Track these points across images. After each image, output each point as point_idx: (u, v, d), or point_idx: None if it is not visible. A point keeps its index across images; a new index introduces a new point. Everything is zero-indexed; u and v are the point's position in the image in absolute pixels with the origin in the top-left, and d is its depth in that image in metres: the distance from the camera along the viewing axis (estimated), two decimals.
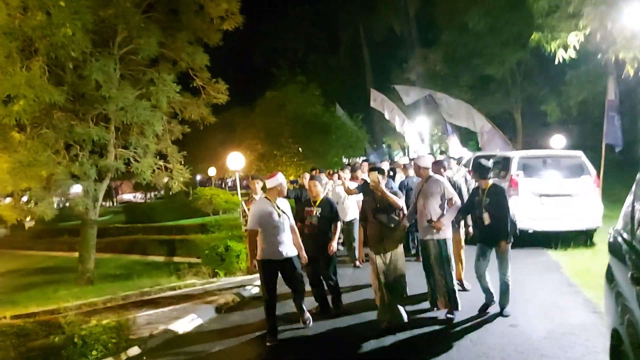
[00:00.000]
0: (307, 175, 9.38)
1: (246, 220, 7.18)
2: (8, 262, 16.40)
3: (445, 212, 5.96)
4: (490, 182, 5.96)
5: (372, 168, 7.12)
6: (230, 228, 10.23)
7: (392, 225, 5.79)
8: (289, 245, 5.53)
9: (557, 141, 15.91)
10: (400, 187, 8.74)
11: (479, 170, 5.96)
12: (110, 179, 11.48)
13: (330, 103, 22.97)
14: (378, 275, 5.75)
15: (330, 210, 6.30)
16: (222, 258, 10.04)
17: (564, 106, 16.80)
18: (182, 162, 11.84)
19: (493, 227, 5.73)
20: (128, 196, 54.31)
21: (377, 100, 25.35)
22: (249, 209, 7.12)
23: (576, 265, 8.75)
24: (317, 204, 6.25)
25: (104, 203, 39.34)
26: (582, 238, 10.41)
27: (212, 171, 28.55)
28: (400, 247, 5.85)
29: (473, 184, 8.54)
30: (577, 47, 9.20)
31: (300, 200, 8.28)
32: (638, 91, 15.91)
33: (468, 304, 6.28)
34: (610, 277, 3.70)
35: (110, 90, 9.33)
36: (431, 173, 6.11)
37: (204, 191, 15.44)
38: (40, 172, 8.96)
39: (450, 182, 7.42)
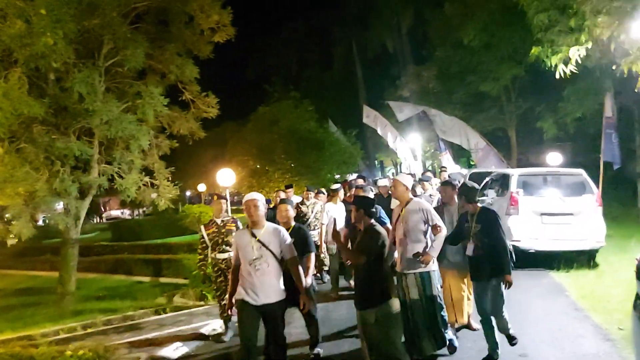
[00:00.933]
0: (282, 194, 8.66)
1: (203, 248, 6.49)
2: None
3: (431, 241, 5.08)
4: (480, 205, 5.19)
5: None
6: None
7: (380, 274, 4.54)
8: (269, 288, 4.33)
9: (553, 158, 15.65)
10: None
11: (466, 192, 5.19)
12: (97, 195, 10.98)
13: (324, 119, 22.72)
14: (363, 338, 4.62)
15: (303, 242, 5.16)
16: (211, 280, 9.59)
17: (561, 123, 16.57)
18: (170, 179, 11.38)
19: (483, 258, 4.90)
20: (116, 212, 53.50)
21: (370, 116, 25.17)
22: (210, 234, 6.39)
23: (581, 287, 8.44)
24: (289, 231, 4.93)
25: (90, 220, 38.81)
26: (584, 258, 10.09)
27: (202, 187, 28.06)
28: (394, 306, 4.44)
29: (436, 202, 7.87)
30: (580, 61, 8.94)
31: None
32: (634, 108, 15.75)
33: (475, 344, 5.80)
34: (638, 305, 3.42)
35: (93, 103, 8.90)
36: (411, 195, 5.30)
37: (192, 208, 14.94)
38: (17, 188, 8.48)
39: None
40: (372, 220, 4.49)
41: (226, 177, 10.62)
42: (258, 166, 19.92)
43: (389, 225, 5.64)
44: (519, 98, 19.94)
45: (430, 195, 9.53)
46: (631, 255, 10.45)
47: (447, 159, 20.13)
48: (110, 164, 10.04)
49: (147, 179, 10.88)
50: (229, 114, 29.39)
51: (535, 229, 9.83)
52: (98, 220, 47.06)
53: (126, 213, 50.39)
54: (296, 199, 9.47)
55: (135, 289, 11.78)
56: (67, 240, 10.04)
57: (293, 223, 5.47)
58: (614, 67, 8.92)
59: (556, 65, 9.50)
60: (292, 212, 5.54)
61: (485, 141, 17.61)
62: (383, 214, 6.77)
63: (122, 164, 10.01)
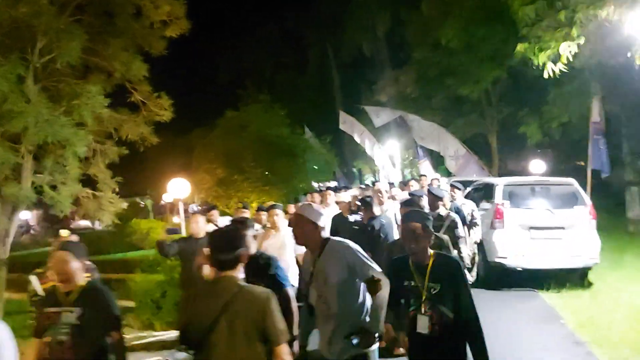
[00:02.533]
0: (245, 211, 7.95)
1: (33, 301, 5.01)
2: None
3: (367, 309, 3.35)
4: (433, 251, 3.26)
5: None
6: (171, 269, 8.51)
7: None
8: None
9: (536, 166, 14.84)
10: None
11: (410, 224, 3.22)
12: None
13: (298, 125, 21.59)
14: None
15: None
16: (159, 306, 8.40)
17: (545, 128, 15.72)
18: (117, 190, 10.11)
19: (444, 340, 3.09)
20: (85, 222, 51.04)
21: (347, 122, 24.23)
22: (45, 287, 4.85)
23: (577, 312, 7.55)
24: None
25: (53, 230, 37.02)
26: (577, 276, 9.24)
27: (167, 197, 26.60)
28: None
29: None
30: (571, 59, 8.02)
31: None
32: (621, 114, 15.00)
33: None
34: None
35: (17, 104, 7.63)
36: (326, 235, 3.48)
37: (140, 224, 13.66)
38: None
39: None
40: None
41: (178, 187, 9.51)
42: (224, 175, 18.62)
43: (289, 289, 3.99)
44: (501, 102, 19.09)
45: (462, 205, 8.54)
46: (628, 271, 9.59)
47: (426, 166, 19.26)
48: (41, 173, 8.72)
49: (88, 190, 9.58)
50: (199, 120, 28.22)
51: (522, 244, 9.03)
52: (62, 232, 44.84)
53: (97, 224, 48.05)
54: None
55: None
56: None
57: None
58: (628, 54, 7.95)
59: (544, 64, 8.57)
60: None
61: (466, 148, 16.75)
62: (281, 271, 4.14)
63: (54, 173, 8.72)
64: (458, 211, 7.73)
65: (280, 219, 6.24)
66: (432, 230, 3.23)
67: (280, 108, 20.31)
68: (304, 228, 3.38)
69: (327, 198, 9.11)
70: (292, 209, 8.56)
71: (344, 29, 32.02)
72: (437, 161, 22.55)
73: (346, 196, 8.97)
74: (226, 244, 2.82)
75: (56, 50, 8.51)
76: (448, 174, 22.68)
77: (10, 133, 8.21)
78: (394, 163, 22.86)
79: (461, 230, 6.87)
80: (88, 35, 9.03)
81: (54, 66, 9.05)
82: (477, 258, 8.99)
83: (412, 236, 3.14)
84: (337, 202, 8.71)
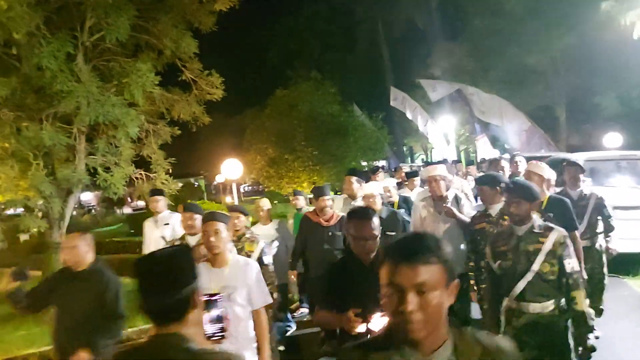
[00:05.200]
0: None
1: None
2: None
3: None
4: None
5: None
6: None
7: None
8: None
9: (612, 140, 13.66)
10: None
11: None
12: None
13: (348, 103, 21.00)
14: None
15: None
16: None
17: (623, 97, 14.39)
18: (170, 171, 9.88)
19: None
20: (142, 203, 52.29)
21: (398, 99, 23.42)
22: None
23: None
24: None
25: (114, 211, 38.01)
26: None
27: (220, 178, 26.72)
28: None
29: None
30: None
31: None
32: None
33: None
34: None
35: (66, 83, 7.40)
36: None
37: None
38: None
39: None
40: None
41: (232, 168, 9.18)
42: (276, 155, 18.32)
43: None
44: (570, 71, 17.69)
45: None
46: None
47: (483, 142, 18.32)
48: (94, 155, 8.54)
49: (142, 171, 9.38)
50: (250, 101, 28.07)
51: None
52: (122, 212, 46.23)
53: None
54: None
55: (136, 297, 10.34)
56: (48, 244, 8.65)
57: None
58: None
59: (632, 24, 7.64)
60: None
61: (531, 122, 15.68)
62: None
63: (107, 155, 8.52)
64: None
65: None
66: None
67: (330, 86, 19.81)
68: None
69: (412, 182, 8.13)
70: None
71: (394, 2, 30.90)
72: (496, 137, 21.48)
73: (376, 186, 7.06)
74: (163, 279, 1.74)
75: (105, 28, 8.24)
76: (505, 150, 21.59)
77: (62, 114, 8.05)
78: (449, 140, 21.94)
79: (610, 210, 5.85)
80: (137, 11, 8.73)
81: (104, 44, 8.81)
82: None
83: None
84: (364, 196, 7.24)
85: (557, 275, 3.40)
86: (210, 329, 1.97)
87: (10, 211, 17.84)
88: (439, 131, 21.39)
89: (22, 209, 11.63)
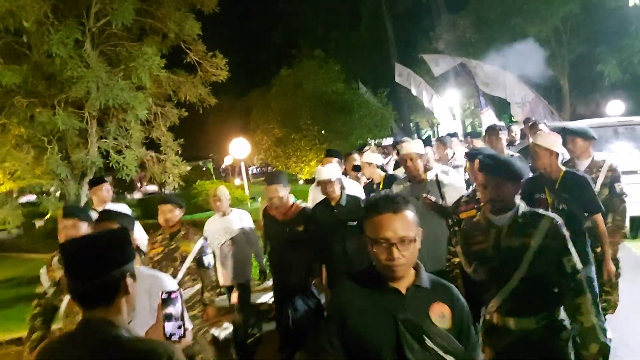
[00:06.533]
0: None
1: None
2: (7, 268, 15.08)
3: None
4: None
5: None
6: None
7: None
8: None
9: (615, 107, 13.72)
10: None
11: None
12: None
13: (353, 80, 21.07)
14: None
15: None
16: None
17: (625, 64, 14.40)
18: (180, 152, 10.16)
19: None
20: (152, 187, 52.95)
21: (403, 75, 23.35)
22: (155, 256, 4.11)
23: None
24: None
25: (125, 195, 38.49)
26: None
27: (228, 160, 26.98)
28: None
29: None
30: None
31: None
32: None
33: None
34: None
35: (77, 69, 7.65)
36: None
37: (205, 185, 13.78)
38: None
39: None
40: None
41: (239, 148, 9.42)
42: (282, 134, 18.53)
43: None
44: (572, 40, 17.64)
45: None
46: None
47: (488, 115, 18.34)
48: (106, 138, 8.83)
49: (152, 153, 9.67)
50: (255, 82, 28.19)
51: None
52: (132, 196, 46.77)
53: (166, 189, 49.47)
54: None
55: None
56: None
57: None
58: None
59: None
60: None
61: (534, 92, 15.71)
62: None
63: (118, 138, 8.80)
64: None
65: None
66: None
67: (334, 63, 19.88)
68: None
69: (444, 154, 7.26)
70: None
71: None
72: (500, 109, 21.47)
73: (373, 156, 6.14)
74: (88, 261, 1.63)
75: (110, 13, 8.45)
76: (511, 121, 21.59)
77: (73, 99, 8.32)
78: (454, 114, 21.96)
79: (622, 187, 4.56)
80: None
81: (110, 30, 9.06)
82: None
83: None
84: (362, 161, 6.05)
85: (554, 277, 2.53)
86: (168, 327, 1.84)
87: (24, 199, 18.27)
88: (445, 106, 21.39)
89: (35, 196, 12.00)
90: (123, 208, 5.31)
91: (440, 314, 1.87)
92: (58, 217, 3.48)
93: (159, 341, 1.74)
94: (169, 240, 4.16)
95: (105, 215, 2.73)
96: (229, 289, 5.45)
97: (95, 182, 5.56)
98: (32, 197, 18.88)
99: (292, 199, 4.73)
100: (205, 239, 4.33)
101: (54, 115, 7.69)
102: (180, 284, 3.96)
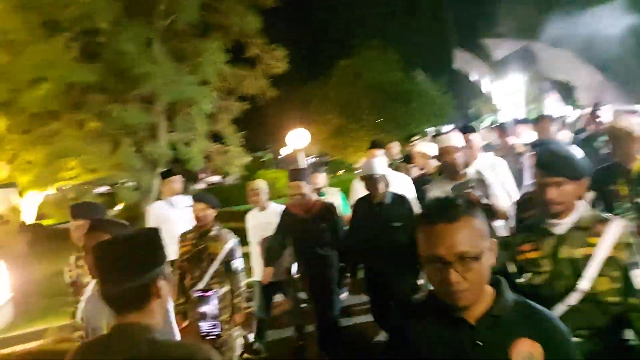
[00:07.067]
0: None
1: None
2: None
3: None
4: None
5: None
6: None
7: None
8: None
9: None
10: None
11: None
12: None
13: (411, 69, 20.85)
14: None
15: None
16: None
17: None
18: (242, 144, 10.51)
19: None
20: (215, 178, 54.43)
21: (462, 60, 23.02)
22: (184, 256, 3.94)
23: None
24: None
25: (190, 186, 39.98)
26: None
27: (285, 151, 27.37)
28: None
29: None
30: None
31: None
32: None
33: None
34: None
35: (146, 65, 8.06)
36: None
37: (266, 174, 14.11)
38: (78, 163, 7.97)
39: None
40: None
41: (298, 137, 9.57)
42: (340, 124, 18.66)
43: None
44: None
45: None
46: None
47: (553, 100, 17.77)
48: (174, 132, 9.27)
49: (217, 145, 10.06)
50: (313, 73, 28.38)
51: None
52: (195, 187, 48.25)
53: (230, 179, 50.91)
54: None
55: None
56: (139, 215, 9.53)
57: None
58: None
59: None
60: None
61: (603, 75, 15.03)
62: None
63: (185, 131, 9.21)
64: None
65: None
66: None
67: (393, 53, 19.75)
68: None
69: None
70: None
71: None
72: (566, 93, 20.64)
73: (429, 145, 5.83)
74: (120, 264, 1.60)
75: (177, 11, 8.82)
76: (576, 105, 20.69)
77: (144, 95, 8.76)
78: (516, 100, 21.35)
79: None
80: None
81: (176, 27, 9.46)
82: None
83: None
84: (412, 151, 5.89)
85: (620, 294, 2.13)
86: (203, 326, 1.77)
87: (98, 190, 19.38)
88: (506, 91, 20.86)
89: (108, 187, 12.68)
90: (188, 200, 5.23)
91: (526, 356, 1.38)
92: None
93: (196, 345, 1.66)
94: (198, 239, 3.94)
95: (97, 224, 2.44)
96: (270, 286, 4.97)
97: (167, 175, 5.57)
98: (104, 189, 19.87)
99: (314, 197, 4.45)
100: (234, 241, 4.02)
101: (125, 111, 8.12)
102: (206, 286, 3.75)
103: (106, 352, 1.56)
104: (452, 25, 33.18)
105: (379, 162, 4.13)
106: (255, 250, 4.89)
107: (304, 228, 4.23)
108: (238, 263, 3.88)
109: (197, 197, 4.05)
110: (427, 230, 1.38)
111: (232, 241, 3.89)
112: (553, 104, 17.86)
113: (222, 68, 8.85)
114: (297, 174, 4.36)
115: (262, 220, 4.81)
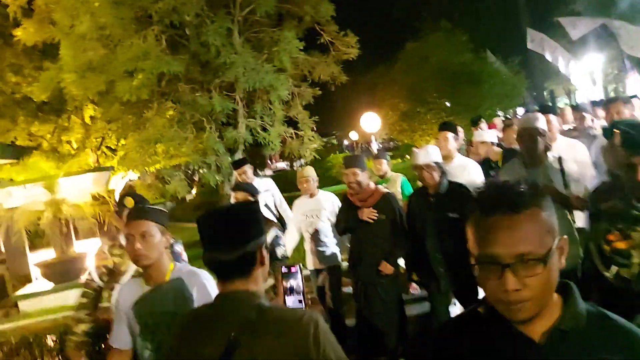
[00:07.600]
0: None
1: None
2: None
3: None
4: None
5: None
6: None
7: None
8: None
9: None
10: None
11: None
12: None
13: (481, 50, 20.39)
14: None
15: None
16: None
17: None
18: (315, 129, 10.90)
19: None
20: (282, 164, 55.90)
21: (536, 40, 22.09)
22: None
23: None
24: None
25: (259, 172, 41.18)
26: None
27: (354, 135, 27.68)
28: None
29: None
30: None
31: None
32: None
33: None
34: None
35: (230, 56, 8.59)
36: None
37: (338, 158, 14.45)
38: (165, 148, 8.66)
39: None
40: None
41: (370, 121, 9.85)
42: (408, 108, 18.64)
43: None
44: None
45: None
46: None
47: (633, 80, 16.85)
48: (253, 118, 9.80)
49: (291, 130, 10.51)
50: (380, 57, 28.38)
51: None
52: (264, 173, 49.65)
53: (297, 165, 52.13)
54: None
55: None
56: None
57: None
58: None
59: None
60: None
61: None
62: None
63: (264, 116, 9.72)
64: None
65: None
66: None
67: (461, 34, 19.42)
68: None
69: (509, 132, 5.76)
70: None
71: None
72: None
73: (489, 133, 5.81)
74: (226, 233, 1.65)
75: (254, 2, 9.28)
76: None
77: (225, 83, 9.32)
78: (595, 80, 20.41)
79: None
80: None
81: (254, 17, 9.94)
82: None
83: None
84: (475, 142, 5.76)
85: None
86: (289, 301, 1.86)
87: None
88: (584, 71, 19.99)
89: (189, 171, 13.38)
90: (264, 183, 5.96)
91: None
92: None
93: (302, 309, 1.76)
94: None
95: (139, 212, 2.51)
96: (317, 272, 5.05)
97: (238, 164, 5.93)
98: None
99: (372, 185, 4.30)
100: (276, 229, 4.09)
101: (210, 99, 8.70)
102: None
103: (218, 318, 1.62)
104: (524, 4, 31.99)
105: (432, 150, 3.97)
106: (307, 237, 4.97)
107: (359, 218, 4.15)
108: (282, 250, 3.98)
109: (237, 187, 4.31)
110: (481, 223, 1.12)
111: (274, 229, 4.03)
112: (634, 84, 16.99)
113: (296, 55, 9.22)
114: (351, 161, 4.28)
115: (312, 206, 4.93)
